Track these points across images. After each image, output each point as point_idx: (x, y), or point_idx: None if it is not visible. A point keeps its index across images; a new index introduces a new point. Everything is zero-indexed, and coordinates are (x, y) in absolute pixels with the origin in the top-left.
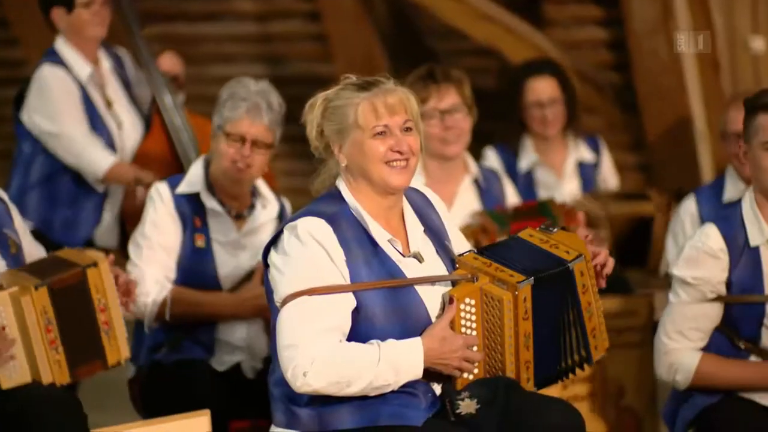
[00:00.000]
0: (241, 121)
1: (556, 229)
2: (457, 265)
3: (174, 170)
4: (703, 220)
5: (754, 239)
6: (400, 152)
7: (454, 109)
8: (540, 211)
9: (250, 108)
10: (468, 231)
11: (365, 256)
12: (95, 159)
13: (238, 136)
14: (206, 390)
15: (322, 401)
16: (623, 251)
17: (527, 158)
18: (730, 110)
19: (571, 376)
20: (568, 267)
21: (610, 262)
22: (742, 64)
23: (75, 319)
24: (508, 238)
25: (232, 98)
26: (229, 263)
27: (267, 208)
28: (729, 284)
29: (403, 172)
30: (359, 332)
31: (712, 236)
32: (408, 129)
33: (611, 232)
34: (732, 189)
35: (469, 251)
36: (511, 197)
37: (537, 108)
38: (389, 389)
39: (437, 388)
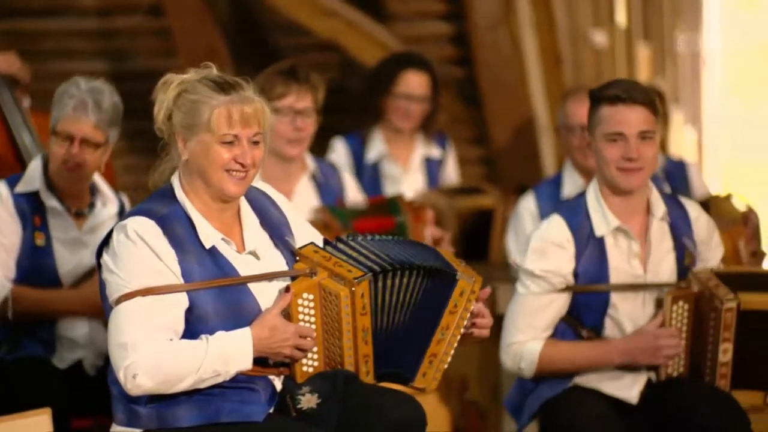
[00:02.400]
0: (68, 120)
1: (463, 263)
2: (298, 258)
3: (17, 171)
4: (542, 216)
5: (599, 229)
6: (242, 164)
7: (306, 113)
8: (389, 207)
9: (77, 106)
10: None
11: (198, 256)
12: None
13: (66, 134)
14: (47, 388)
15: (161, 399)
16: (465, 245)
17: (375, 150)
18: (569, 103)
19: None
20: (455, 274)
21: (485, 332)
22: (583, 58)
23: None
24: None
25: (62, 97)
26: (70, 261)
27: (107, 206)
28: (575, 275)
29: (240, 182)
30: (193, 332)
31: (557, 227)
32: (256, 142)
33: (457, 226)
34: (570, 185)
35: (309, 244)
36: (352, 191)
37: (404, 101)
38: (221, 380)
39: (278, 383)
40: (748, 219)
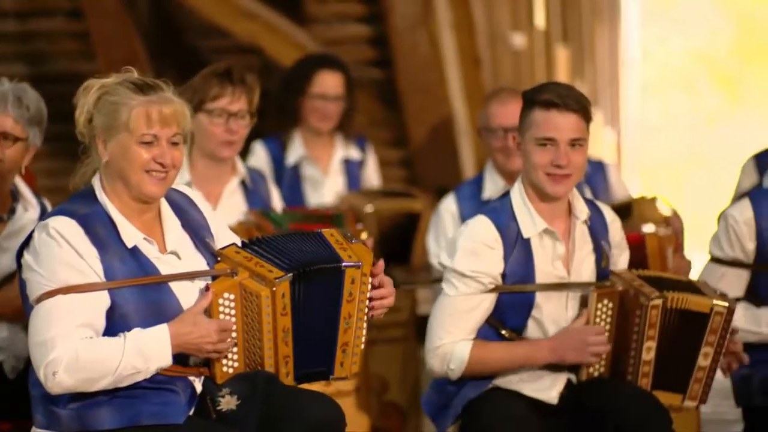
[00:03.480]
0: None
1: (355, 241)
2: (219, 259)
3: None
4: (463, 219)
5: (526, 231)
6: (162, 164)
7: (240, 115)
8: (333, 219)
9: None
10: (242, 228)
11: (120, 255)
12: None
13: None
14: None
15: (82, 401)
16: (388, 248)
17: (295, 153)
18: (491, 105)
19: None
20: (340, 266)
21: (388, 300)
22: (502, 59)
23: None
24: (292, 232)
25: None
26: None
27: (29, 211)
28: (503, 275)
29: (160, 183)
30: (114, 331)
31: (486, 227)
32: (175, 143)
33: (378, 229)
34: (491, 186)
35: (231, 245)
36: (276, 199)
37: (320, 101)
38: (141, 377)
39: (198, 385)
40: (672, 222)
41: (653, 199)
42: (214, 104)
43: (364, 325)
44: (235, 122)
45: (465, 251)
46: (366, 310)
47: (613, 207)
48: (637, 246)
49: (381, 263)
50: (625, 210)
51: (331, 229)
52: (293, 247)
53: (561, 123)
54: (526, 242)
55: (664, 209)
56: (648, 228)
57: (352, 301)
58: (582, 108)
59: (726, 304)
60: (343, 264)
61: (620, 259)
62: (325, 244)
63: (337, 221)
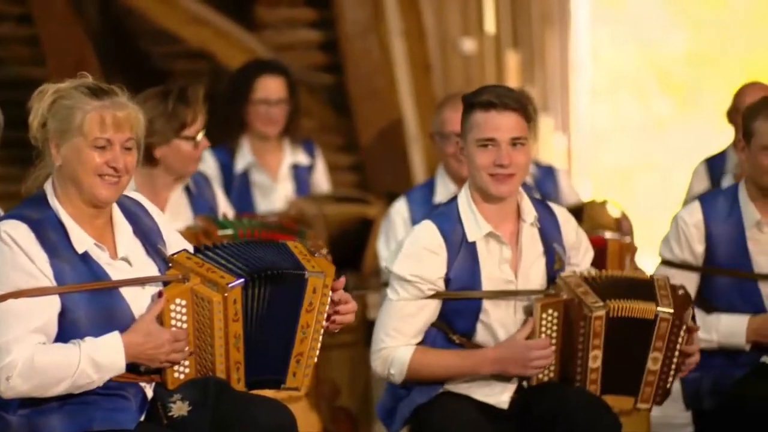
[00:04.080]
0: None
1: (318, 255)
2: (170, 264)
3: None
4: (413, 222)
5: (471, 235)
6: (115, 169)
7: (202, 132)
8: (298, 233)
9: None
10: (189, 234)
11: (71, 260)
12: None
13: None
14: None
15: (32, 407)
16: (339, 253)
17: (243, 160)
18: (444, 110)
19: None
20: (303, 274)
21: (349, 317)
22: (453, 65)
23: None
24: (255, 240)
25: None
26: None
27: None
28: (447, 280)
29: (112, 187)
30: (65, 337)
31: (429, 232)
32: (128, 148)
33: (327, 234)
34: (442, 191)
35: (183, 251)
36: (222, 204)
37: (263, 106)
38: (94, 386)
39: (149, 391)
40: (621, 225)
41: (603, 203)
42: (192, 130)
43: (320, 337)
44: (203, 138)
45: (407, 256)
46: (323, 323)
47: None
48: (599, 249)
49: (342, 279)
50: (575, 213)
51: (295, 241)
52: (253, 253)
53: (501, 123)
54: (472, 246)
55: (614, 212)
56: (609, 234)
57: (311, 311)
58: (521, 107)
59: (671, 310)
60: (307, 272)
61: (581, 259)
62: (288, 253)
63: (300, 236)
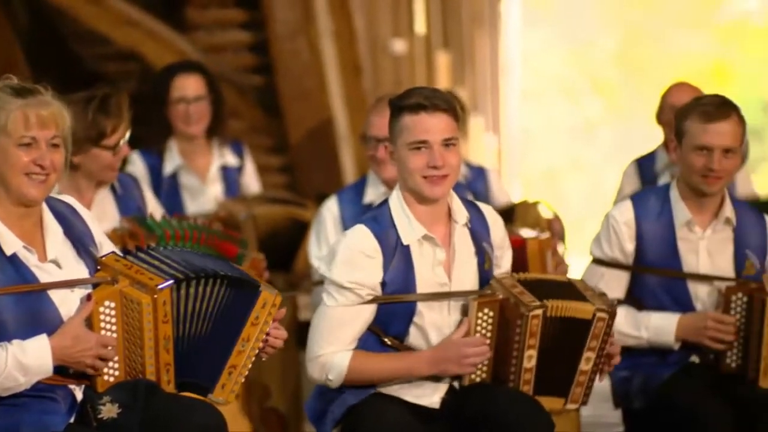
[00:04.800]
0: None
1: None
2: (99, 267)
3: None
4: (344, 222)
5: (406, 238)
6: (42, 166)
7: (124, 139)
8: (240, 242)
9: None
10: (115, 236)
11: None
12: None
13: None
14: None
15: None
16: (270, 254)
17: (172, 162)
18: (371, 115)
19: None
20: (258, 285)
21: (279, 342)
22: (383, 66)
23: None
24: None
25: None
26: None
27: None
28: (383, 284)
29: (40, 186)
30: None
31: (364, 237)
32: (55, 145)
33: (257, 235)
34: (372, 192)
35: (111, 253)
36: (151, 204)
37: (182, 104)
38: (22, 389)
39: (78, 393)
40: (553, 226)
41: (536, 204)
42: (111, 140)
43: (254, 355)
44: (125, 146)
45: (343, 262)
46: (261, 342)
47: (497, 210)
48: (518, 249)
49: (283, 310)
50: (507, 213)
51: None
52: (192, 259)
53: (432, 124)
54: (406, 249)
55: (546, 213)
56: (527, 232)
57: (255, 325)
58: (450, 107)
59: (608, 309)
60: (262, 285)
61: (503, 260)
62: (235, 267)
63: (242, 244)
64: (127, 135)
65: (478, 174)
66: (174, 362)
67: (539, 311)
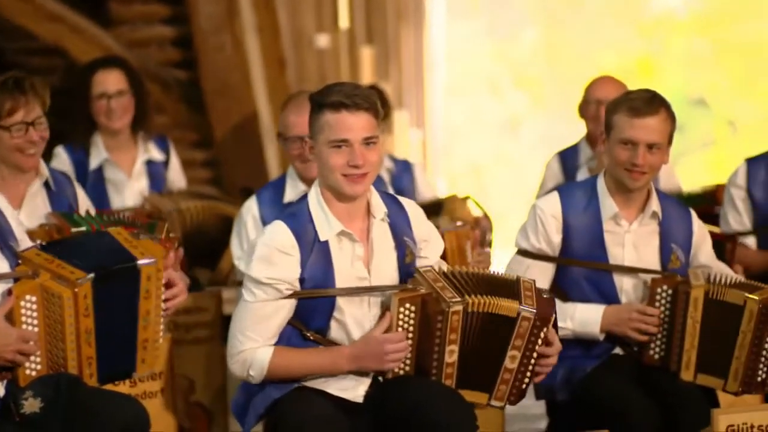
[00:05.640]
0: None
1: (143, 236)
2: (20, 261)
3: None
4: (264, 221)
5: (323, 234)
6: None
7: (38, 122)
8: (149, 227)
9: None
10: (42, 231)
11: None
12: None
13: None
14: None
15: None
16: (196, 249)
17: (98, 156)
18: (288, 115)
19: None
20: (136, 265)
21: (181, 298)
22: (307, 60)
23: None
24: (86, 233)
25: None
26: None
27: None
28: (302, 280)
29: None
30: None
31: (282, 233)
32: None
33: (183, 230)
34: (292, 191)
35: (32, 247)
36: (84, 202)
37: (103, 99)
38: None
39: (0, 388)
40: (481, 222)
41: (465, 199)
42: (11, 119)
43: (161, 320)
44: (35, 131)
45: (260, 258)
46: (162, 305)
47: (424, 204)
48: None
49: (172, 255)
50: (436, 207)
51: (117, 228)
52: (89, 248)
53: (353, 123)
54: (324, 245)
55: (475, 210)
56: (446, 224)
57: (149, 298)
58: (372, 106)
59: (534, 310)
60: (139, 262)
61: (429, 252)
62: (115, 243)
63: (150, 229)
64: (40, 120)
65: (404, 168)
66: (96, 355)
67: (459, 307)
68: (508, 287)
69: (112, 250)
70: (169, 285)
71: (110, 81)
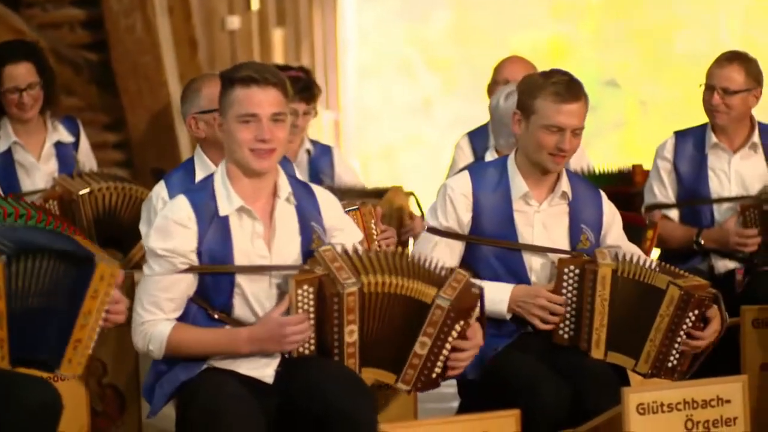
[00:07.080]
0: None
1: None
2: None
3: None
4: None
5: (223, 209)
6: None
7: None
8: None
9: None
10: None
11: None
12: None
13: None
14: None
15: None
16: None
17: (6, 139)
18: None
19: None
20: (93, 258)
21: (121, 316)
22: (218, 42)
23: None
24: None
25: None
26: None
27: None
28: (199, 253)
29: None
30: None
31: (180, 206)
32: None
33: (93, 212)
34: (201, 171)
35: None
36: None
37: (15, 93)
38: None
39: None
40: (413, 220)
41: (408, 194)
42: None
43: (98, 328)
44: None
45: (158, 229)
46: (103, 314)
47: (366, 192)
48: None
49: (122, 275)
50: (378, 195)
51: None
52: (24, 235)
53: (262, 98)
54: (224, 220)
55: (414, 207)
56: (351, 206)
57: (95, 298)
58: (280, 82)
59: (450, 300)
60: (96, 257)
61: (345, 238)
62: (73, 240)
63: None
64: None
65: (325, 151)
66: (8, 338)
67: (354, 288)
68: (433, 274)
69: (60, 240)
70: (113, 302)
71: (20, 75)
